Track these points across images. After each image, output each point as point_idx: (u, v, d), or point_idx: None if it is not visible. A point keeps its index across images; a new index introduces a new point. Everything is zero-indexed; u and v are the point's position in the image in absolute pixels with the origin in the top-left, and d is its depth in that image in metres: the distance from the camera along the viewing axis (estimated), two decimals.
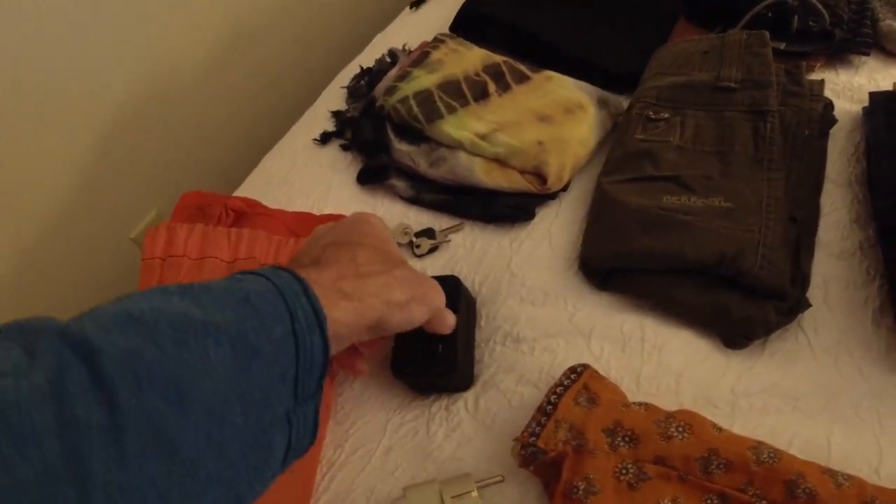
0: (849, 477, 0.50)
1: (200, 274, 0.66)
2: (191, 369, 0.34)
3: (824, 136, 0.74)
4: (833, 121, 0.75)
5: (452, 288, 0.62)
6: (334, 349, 0.43)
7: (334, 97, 1.01)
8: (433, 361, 0.60)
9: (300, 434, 0.41)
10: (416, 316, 0.51)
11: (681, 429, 0.53)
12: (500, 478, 0.57)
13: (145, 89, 1.07)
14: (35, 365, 0.31)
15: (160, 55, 1.08)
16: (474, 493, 0.54)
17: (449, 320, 0.57)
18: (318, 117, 0.98)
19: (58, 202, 1.01)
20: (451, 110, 0.80)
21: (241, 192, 0.90)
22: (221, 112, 1.23)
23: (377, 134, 0.82)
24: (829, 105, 0.76)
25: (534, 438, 0.55)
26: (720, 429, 0.54)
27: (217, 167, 1.24)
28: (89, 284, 1.10)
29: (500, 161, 0.75)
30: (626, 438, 0.54)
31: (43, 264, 1.02)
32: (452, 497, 0.54)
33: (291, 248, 0.67)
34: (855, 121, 0.77)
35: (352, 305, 0.45)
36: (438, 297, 0.54)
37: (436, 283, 0.55)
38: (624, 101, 0.83)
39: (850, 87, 0.81)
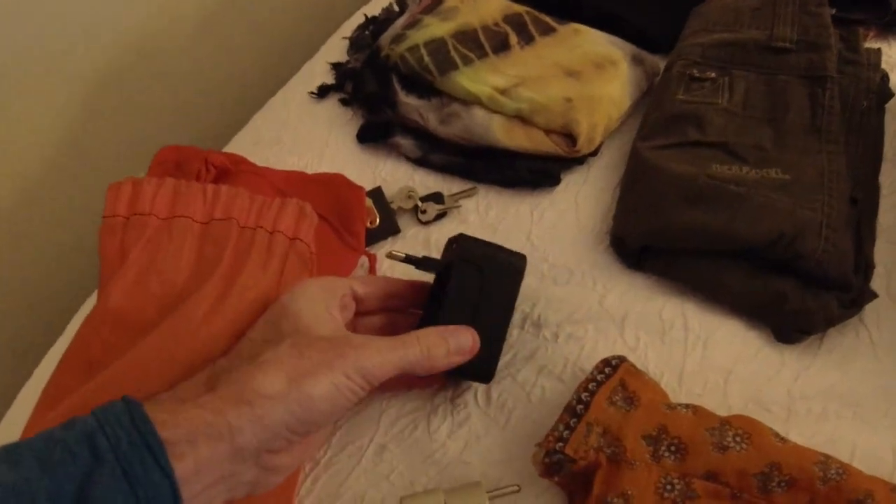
0: None
1: (170, 236, 0.57)
2: None
3: (881, 110, 0.68)
4: (890, 94, 0.69)
5: (461, 250, 0.52)
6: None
7: (336, 50, 0.92)
8: None
9: None
10: (325, 399, 0.40)
11: (738, 438, 0.45)
12: (515, 488, 0.48)
13: (135, 45, 0.98)
14: None
15: (152, 7, 0.99)
16: None
17: (439, 363, 0.46)
18: (317, 71, 0.89)
19: (38, 165, 0.92)
20: (468, 62, 0.71)
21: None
22: (217, 69, 1.14)
23: (381, 86, 0.73)
24: (886, 77, 0.70)
25: (561, 444, 0.47)
26: (783, 439, 0.47)
27: (213, 129, 1.15)
28: (71, 253, 1.01)
29: (521, 119, 0.67)
30: (672, 448, 0.46)
31: (21, 230, 0.93)
32: None
33: (276, 208, 0.58)
34: None
35: (194, 411, 0.38)
36: (372, 355, 0.42)
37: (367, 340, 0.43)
38: (660, 62, 0.74)
39: None
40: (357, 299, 0.50)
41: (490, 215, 0.67)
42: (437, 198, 0.68)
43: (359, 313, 0.51)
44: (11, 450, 0.34)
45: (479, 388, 0.55)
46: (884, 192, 0.63)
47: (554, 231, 0.65)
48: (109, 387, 0.47)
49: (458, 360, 0.47)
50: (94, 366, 0.49)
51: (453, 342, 0.47)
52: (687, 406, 0.48)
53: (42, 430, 0.35)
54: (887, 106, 0.69)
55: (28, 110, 0.87)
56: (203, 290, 0.53)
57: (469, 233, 0.54)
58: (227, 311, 0.52)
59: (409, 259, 0.54)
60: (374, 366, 0.42)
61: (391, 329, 0.54)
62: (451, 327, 0.48)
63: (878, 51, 0.70)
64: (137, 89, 1.01)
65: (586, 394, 0.49)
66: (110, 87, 0.96)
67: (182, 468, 0.35)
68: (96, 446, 0.34)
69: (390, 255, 0.54)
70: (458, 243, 0.53)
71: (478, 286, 0.51)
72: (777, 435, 0.46)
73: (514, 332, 0.58)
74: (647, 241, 0.58)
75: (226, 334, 0.50)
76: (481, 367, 0.51)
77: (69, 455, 0.33)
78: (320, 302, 0.45)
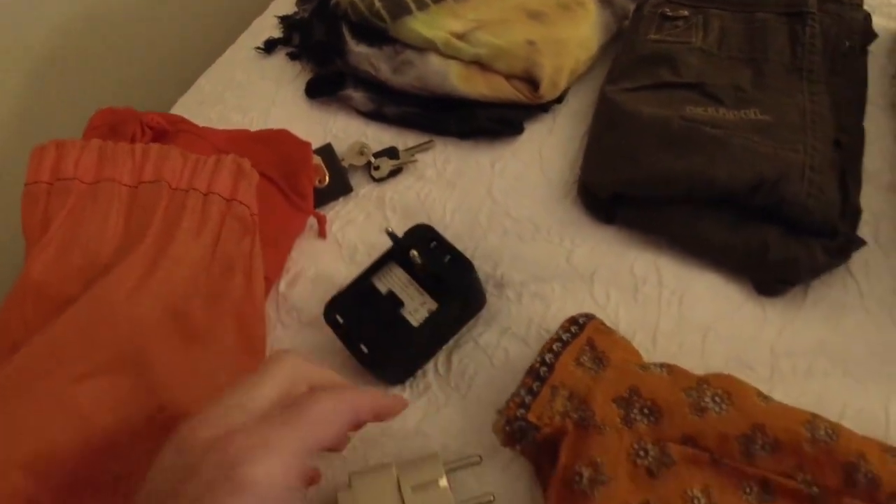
0: None
1: (94, 201, 0.53)
2: None
3: (864, 51, 0.65)
4: (873, 35, 0.66)
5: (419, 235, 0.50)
6: None
7: (286, 3, 0.87)
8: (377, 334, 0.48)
9: None
10: None
11: (718, 399, 0.42)
12: (476, 459, 0.45)
13: (82, 13, 0.94)
14: None
15: None
16: (442, 482, 0.41)
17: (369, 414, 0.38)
18: (266, 27, 0.85)
19: None
20: (422, 6, 0.67)
21: None
22: (168, 34, 1.09)
23: (330, 35, 0.69)
24: (868, 18, 0.67)
25: (523, 410, 0.43)
26: (767, 398, 0.43)
27: (166, 95, 1.11)
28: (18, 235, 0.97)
29: (480, 65, 0.63)
30: (646, 411, 0.42)
31: None
32: (413, 487, 0.41)
33: (210, 167, 0.53)
34: (895, 39, 0.67)
35: None
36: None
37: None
38: (631, 4, 0.70)
39: (887, 2, 0.70)
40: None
41: (448, 169, 0.63)
42: (391, 153, 0.64)
43: None
44: None
45: (440, 355, 0.51)
46: (870, 136, 0.59)
47: (517, 184, 0.61)
48: (27, 368, 0.44)
49: (380, 419, 0.40)
50: (16, 347, 0.46)
51: (382, 399, 0.40)
52: (661, 366, 0.45)
53: None
54: (870, 48, 0.66)
55: None
56: (128, 263, 0.48)
57: (424, 187, 0.50)
58: (155, 286, 0.48)
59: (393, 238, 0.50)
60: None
61: None
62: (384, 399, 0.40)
63: None
64: (86, 60, 0.97)
65: (550, 355, 0.45)
66: (57, 58, 0.92)
67: None
68: None
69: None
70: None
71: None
72: (760, 394, 0.43)
73: None
74: (619, 189, 0.55)
75: (155, 307, 0.46)
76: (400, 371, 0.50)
77: None
78: None
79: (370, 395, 0.38)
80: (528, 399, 0.43)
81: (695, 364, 0.47)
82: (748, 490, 0.41)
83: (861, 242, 0.51)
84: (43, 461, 0.40)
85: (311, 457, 0.33)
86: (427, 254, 0.49)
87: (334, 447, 0.38)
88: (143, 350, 0.43)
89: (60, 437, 0.41)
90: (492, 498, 0.43)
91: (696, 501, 0.40)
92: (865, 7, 0.68)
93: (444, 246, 0.50)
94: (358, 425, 0.38)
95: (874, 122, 0.60)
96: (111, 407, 0.42)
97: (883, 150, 0.58)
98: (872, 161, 0.58)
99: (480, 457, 0.44)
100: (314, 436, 0.33)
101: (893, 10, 0.69)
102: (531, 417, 0.42)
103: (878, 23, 0.67)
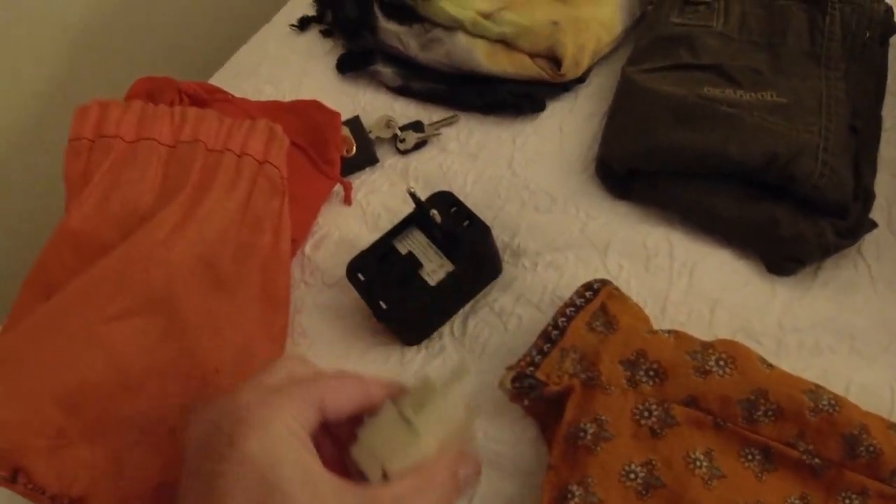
0: None
1: (134, 158, 0.55)
2: None
3: (885, 42, 0.65)
4: (894, 28, 0.65)
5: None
6: None
7: None
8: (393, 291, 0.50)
9: None
10: None
11: (722, 362, 0.43)
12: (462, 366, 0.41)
13: None
14: None
15: None
16: (441, 391, 0.40)
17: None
18: (300, 4, 0.86)
19: (21, 113, 0.90)
20: None
21: None
22: (205, 9, 1.11)
23: (362, 12, 0.70)
24: (890, 10, 0.66)
25: (532, 368, 0.44)
26: (771, 365, 0.44)
27: (202, 72, 1.14)
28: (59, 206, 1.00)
29: (505, 43, 0.64)
30: (651, 372, 0.44)
31: (9, 178, 0.92)
32: (413, 408, 0.39)
33: (245, 131, 0.55)
34: None
35: None
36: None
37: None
38: None
39: None
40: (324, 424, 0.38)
41: (471, 143, 0.64)
42: (416, 126, 0.65)
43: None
44: None
45: (455, 319, 0.53)
46: (886, 125, 0.60)
47: (536, 158, 0.62)
48: (63, 308, 0.46)
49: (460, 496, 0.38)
50: (53, 289, 0.48)
51: (462, 476, 0.38)
52: (669, 332, 0.46)
53: None
54: (892, 40, 0.65)
55: (13, 61, 0.86)
56: (164, 213, 0.50)
57: (447, 158, 0.52)
58: (189, 234, 0.50)
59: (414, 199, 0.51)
60: None
61: None
62: (457, 453, 0.38)
63: None
64: (124, 35, 0.99)
65: (563, 319, 0.47)
66: (96, 33, 0.94)
67: None
68: None
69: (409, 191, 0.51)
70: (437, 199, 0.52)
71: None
72: (764, 361, 0.44)
73: None
74: (635, 163, 0.56)
75: (187, 254, 0.48)
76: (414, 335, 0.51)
77: None
78: (293, 443, 0.34)
79: (374, 377, 0.39)
80: (537, 359, 0.45)
81: (702, 333, 0.47)
82: (750, 457, 0.42)
83: (872, 225, 0.52)
84: (73, 395, 0.43)
85: (319, 413, 0.35)
86: (447, 217, 0.51)
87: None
88: (174, 295, 0.46)
89: (91, 374, 0.43)
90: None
91: (697, 463, 0.41)
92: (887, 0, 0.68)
93: (464, 211, 0.51)
94: (371, 403, 0.38)
95: (892, 111, 0.61)
96: (141, 347, 0.44)
97: None
98: (889, 148, 0.58)
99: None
100: (319, 394, 0.35)
101: None
102: (539, 375, 0.44)
103: None
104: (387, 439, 0.37)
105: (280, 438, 0.32)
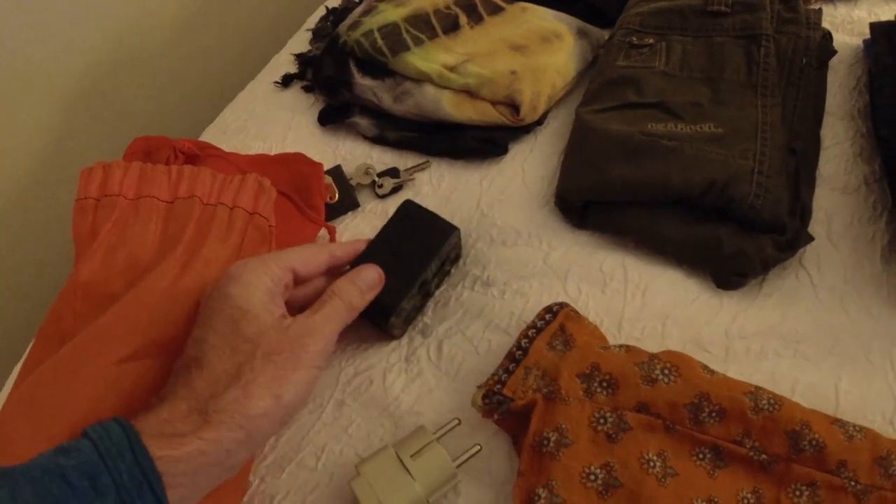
0: (861, 429, 0.45)
1: (136, 214, 0.59)
2: None
3: (823, 66, 0.70)
4: (832, 51, 0.71)
5: (402, 209, 0.59)
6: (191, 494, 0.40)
7: (301, 42, 0.94)
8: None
9: None
10: (303, 393, 0.45)
11: (666, 371, 0.47)
12: (455, 421, 0.50)
13: (113, 51, 1.00)
14: None
15: (128, 15, 1.01)
16: (434, 444, 0.48)
17: (360, 305, 0.52)
18: (283, 63, 0.91)
19: (22, 174, 0.94)
20: (418, 42, 0.73)
21: None
22: (193, 71, 1.15)
23: (339, 70, 0.75)
24: (828, 35, 0.71)
25: (499, 386, 0.49)
26: (712, 371, 0.48)
27: (192, 130, 1.18)
28: (56, 259, 1.03)
29: (469, 93, 0.69)
30: (604, 384, 0.48)
31: (11, 232, 0.95)
32: (412, 455, 0.47)
33: (236, 186, 0.60)
34: (855, 54, 0.72)
35: (194, 445, 0.40)
36: (324, 333, 0.47)
37: (315, 328, 0.47)
38: (606, 34, 0.76)
39: (849, 19, 0.77)
40: (297, 278, 0.52)
41: (442, 186, 0.69)
42: (393, 172, 0.70)
43: (297, 283, 0.53)
44: (6, 474, 0.36)
45: (431, 345, 0.57)
46: (826, 143, 0.64)
47: (502, 197, 0.66)
48: (78, 352, 0.49)
49: (372, 294, 0.53)
50: (67, 336, 0.52)
51: (361, 282, 0.52)
52: (620, 346, 0.50)
53: (38, 455, 0.37)
54: (831, 62, 0.70)
55: (9, 122, 0.89)
56: (166, 263, 0.55)
57: (422, 202, 0.59)
58: (189, 280, 0.54)
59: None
60: (329, 343, 0.47)
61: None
62: (354, 270, 0.53)
63: (819, 10, 0.71)
64: (116, 96, 1.02)
65: (526, 340, 0.51)
66: (90, 94, 0.98)
67: (179, 494, 0.39)
68: (98, 480, 0.36)
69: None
70: (403, 205, 0.58)
71: (403, 236, 0.57)
72: (706, 368, 0.48)
73: (464, 293, 0.60)
74: (589, 196, 0.60)
75: (188, 300, 0.53)
76: (384, 302, 0.54)
77: (69, 488, 0.36)
78: (262, 288, 0.47)
79: (340, 243, 0.56)
80: (504, 377, 0.49)
81: (655, 347, 0.51)
82: (701, 456, 0.46)
83: (809, 238, 0.56)
84: None
85: (289, 272, 0.49)
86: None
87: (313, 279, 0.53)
88: (176, 339, 0.50)
89: (105, 411, 0.46)
90: (479, 447, 0.49)
91: (651, 464, 0.45)
92: (828, 24, 0.72)
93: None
94: (338, 262, 0.54)
95: (832, 130, 0.65)
96: (150, 385, 0.48)
97: (838, 156, 0.63)
98: (828, 165, 0.62)
99: (458, 420, 0.50)
100: (289, 259, 0.50)
101: (854, 26, 0.75)
102: (506, 392, 0.48)
103: (839, 39, 0.72)
104: (387, 480, 0.46)
105: (252, 286, 0.46)
